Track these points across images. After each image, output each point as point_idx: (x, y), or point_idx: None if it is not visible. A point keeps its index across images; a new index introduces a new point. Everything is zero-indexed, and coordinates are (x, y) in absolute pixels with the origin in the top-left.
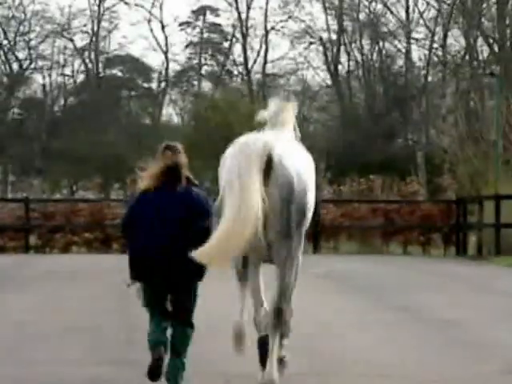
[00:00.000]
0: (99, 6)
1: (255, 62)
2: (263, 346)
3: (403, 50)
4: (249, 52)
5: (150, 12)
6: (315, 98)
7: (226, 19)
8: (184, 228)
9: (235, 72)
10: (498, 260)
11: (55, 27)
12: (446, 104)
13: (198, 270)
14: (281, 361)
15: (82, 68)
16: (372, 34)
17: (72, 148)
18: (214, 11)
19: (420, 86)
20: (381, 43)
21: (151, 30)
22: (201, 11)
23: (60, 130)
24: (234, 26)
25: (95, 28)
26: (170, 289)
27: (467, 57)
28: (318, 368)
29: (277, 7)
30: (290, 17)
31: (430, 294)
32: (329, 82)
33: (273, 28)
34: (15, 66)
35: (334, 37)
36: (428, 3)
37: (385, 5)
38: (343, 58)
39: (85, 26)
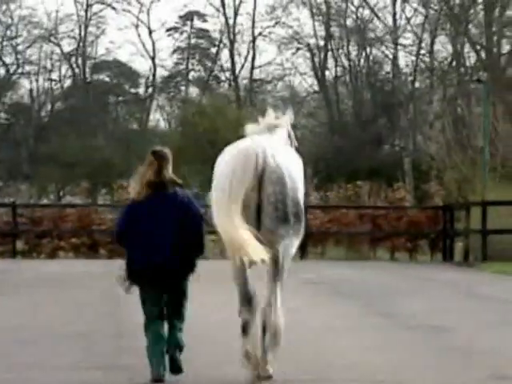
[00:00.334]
0: (86, 11)
1: (242, 67)
2: (246, 325)
3: (390, 56)
4: (236, 58)
5: (137, 17)
6: (302, 103)
7: (214, 25)
8: (177, 229)
9: (222, 77)
10: (485, 266)
11: (42, 32)
12: (434, 110)
13: (191, 267)
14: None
15: (69, 73)
16: (359, 40)
17: (59, 153)
18: (202, 17)
19: (407, 92)
20: (368, 49)
21: (138, 36)
22: (188, 17)
23: (47, 135)
24: (221, 32)
25: (82, 33)
26: (165, 289)
27: (454, 63)
28: (308, 374)
29: (264, 13)
30: (277, 22)
31: (417, 300)
32: (316, 87)
33: (260, 34)
34: (2, 71)
35: (321, 43)
36: (415, 9)
37: (372, 11)
38: (330, 63)
39: (72, 31)
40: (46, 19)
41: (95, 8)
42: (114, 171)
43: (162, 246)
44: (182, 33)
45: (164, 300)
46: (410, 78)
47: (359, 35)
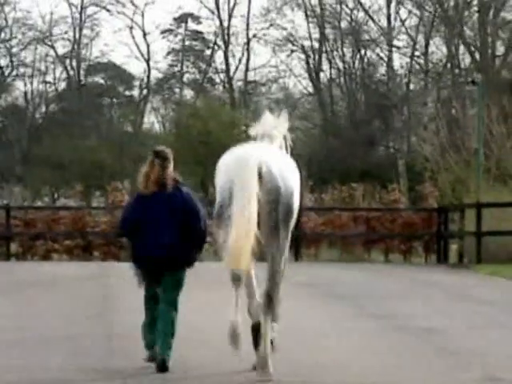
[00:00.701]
0: (81, 13)
1: (237, 69)
2: (256, 331)
3: (385, 58)
4: (230, 60)
5: (131, 19)
6: (297, 105)
7: (208, 27)
8: (179, 223)
9: (217, 80)
10: (479, 268)
11: (37, 34)
12: (428, 112)
13: (190, 259)
14: (271, 341)
15: (64, 75)
16: (354, 42)
17: (53, 155)
18: (196, 19)
19: (402, 93)
20: (362, 51)
21: (133, 38)
22: (182, 19)
23: (41, 137)
24: (215, 34)
25: (77, 35)
26: (164, 276)
27: (449, 65)
28: (300, 376)
29: (258, 15)
30: (271, 24)
31: (411, 302)
32: (310, 89)
33: (254, 36)
34: None
35: (315, 45)
36: (410, 11)
37: (366, 13)
38: (325, 65)
39: (66, 33)
40: (41, 21)
41: (89, 10)
42: (108, 173)
43: (163, 237)
44: (176, 35)
45: (161, 286)
46: (405, 80)
47: (354, 37)
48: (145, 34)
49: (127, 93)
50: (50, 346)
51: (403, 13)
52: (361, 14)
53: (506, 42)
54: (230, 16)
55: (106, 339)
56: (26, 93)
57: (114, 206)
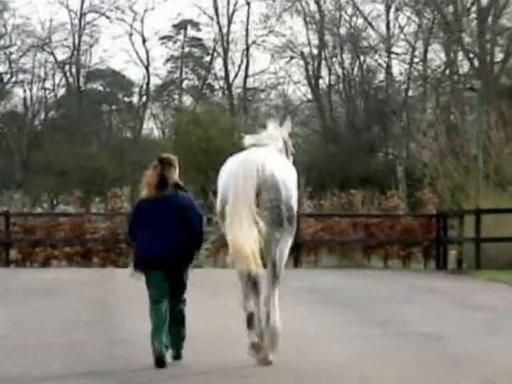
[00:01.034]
0: (80, 19)
1: (236, 76)
2: (251, 318)
3: (384, 65)
4: (230, 66)
5: (131, 26)
6: (296, 112)
7: (207, 33)
8: (178, 224)
9: (216, 86)
10: (479, 274)
11: (36, 41)
12: (427, 118)
13: (190, 258)
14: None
15: (63, 82)
16: (353, 49)
17: (52, 162)
18: (195, 25)
19: (401, 100)
20: (361, 58)
21: (132, 44)
22: (182, 25)
23: (41, 143)
24: (215, 41)
25: (76, 42)
26: (167, 276)
27: (448, 71)
28: (300, 382)
29: (258, 21)
30: (271, 31)
31: (410, 308)
32: (310, 96)
33: (254, 42)
34: None
35: (314, 51)
36: (409, 18)
37: (365, 19)
38: (324, 72)
39: (66, 39)
40: (40, 28)
41: (89, 17)
42: (108, 180)
43: (164, 238)
44: (175, 41)
45: (167, 286)
46: (404, 87)
47: (353, 44)
48: (144, 41)
49: (126, 99)
50: (50, 352)
51: (402, 19)
52: (360, 21)
53: (504, 49)
54: (230, 23)
55: (106, 345)
56: (25, 99)
57: (113, 212)
